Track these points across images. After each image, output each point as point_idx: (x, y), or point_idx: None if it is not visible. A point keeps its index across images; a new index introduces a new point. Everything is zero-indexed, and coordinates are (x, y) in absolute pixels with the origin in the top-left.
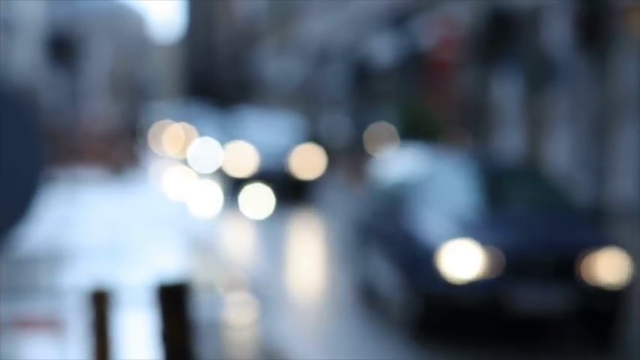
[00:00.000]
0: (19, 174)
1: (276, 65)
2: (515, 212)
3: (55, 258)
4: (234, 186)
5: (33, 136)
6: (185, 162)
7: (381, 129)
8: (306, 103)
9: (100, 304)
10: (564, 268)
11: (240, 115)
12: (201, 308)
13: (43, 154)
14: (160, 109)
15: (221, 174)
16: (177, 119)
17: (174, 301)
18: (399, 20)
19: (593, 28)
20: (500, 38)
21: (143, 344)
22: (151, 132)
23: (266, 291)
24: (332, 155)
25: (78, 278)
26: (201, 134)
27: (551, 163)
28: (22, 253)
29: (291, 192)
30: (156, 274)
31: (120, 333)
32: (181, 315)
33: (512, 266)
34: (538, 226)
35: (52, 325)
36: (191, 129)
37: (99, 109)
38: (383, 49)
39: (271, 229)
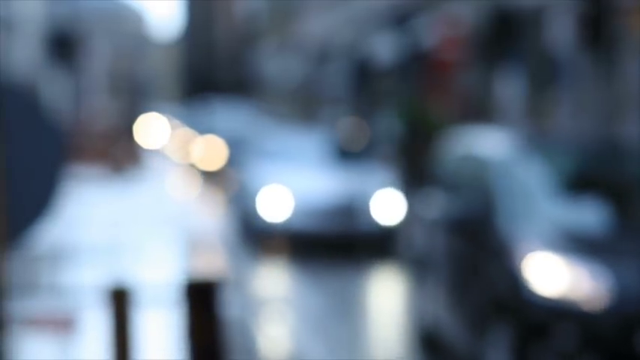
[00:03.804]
0: (37, 172)
1: (277, 64)
2: None
3: (58, 256)
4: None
5: (51, 134)
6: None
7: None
8: (307, 103)
9: (120, 302)
10: None
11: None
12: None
13: (62, 152)
14: (169, 111)
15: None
16: (200, 129)
17: (203, 300)
18: (401, 19)
19: (598, 28)
20: (504, 37)
21: (158, 343)
22: (137, 126)
23: None
24: None
25: (83, 277)
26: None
27: None
28: (25, 251)
29: None
30: (160, 273)
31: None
32: (211, 314)
33: None
34: None
35: (63, 323)
36: (221, 145)
37: (99, 108)
38: (384, 48)
39: None
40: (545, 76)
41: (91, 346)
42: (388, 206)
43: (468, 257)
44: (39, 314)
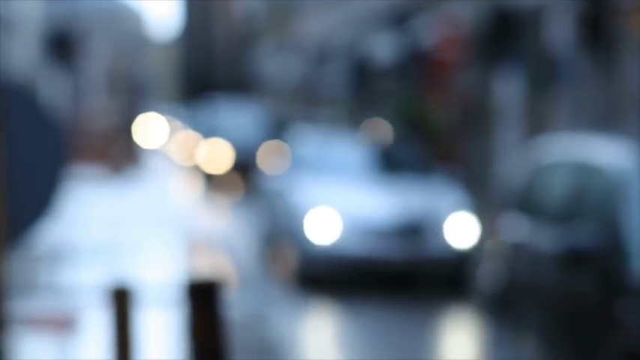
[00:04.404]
0: (37, 172)
1: (275, 64)
2: None
3: (58, 256)
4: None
5: (51, 134)
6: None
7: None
8: (306, 103)
9: (121, 302)
10: None
11: None
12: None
13: (62, 152)
14: (168, 111)
15: None
16: (203, 130)
17: (205, 300)
18: (399, 19)
19: (598, 28)
20: (503, 37)
21: (159, 343)
22: (136, 126)
23: None
24: None
25: (83, 277)
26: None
27: None
28: (25, 251)
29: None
30: (161, 272)
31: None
32: (213, 314)
33: None
34: None
35: (63, 323)
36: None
37: (98, 108)
38: (383, 47)
39: None
40: (545, 76)
41: (91, 347)
42: (463, 229)
43: (582, 299)
44: (39, 314)
